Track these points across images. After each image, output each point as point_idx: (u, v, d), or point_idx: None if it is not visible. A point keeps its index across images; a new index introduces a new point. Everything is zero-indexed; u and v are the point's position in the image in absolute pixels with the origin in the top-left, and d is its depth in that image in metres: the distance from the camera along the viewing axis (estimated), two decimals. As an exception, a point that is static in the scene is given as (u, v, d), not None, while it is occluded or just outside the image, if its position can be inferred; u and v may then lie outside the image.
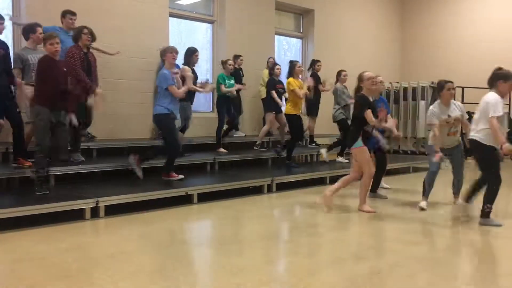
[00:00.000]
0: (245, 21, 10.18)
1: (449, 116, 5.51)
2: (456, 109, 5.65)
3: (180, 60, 7.04)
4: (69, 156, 6.22)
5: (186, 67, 7.15)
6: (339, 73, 8.86)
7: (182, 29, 9.63)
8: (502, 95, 4.94)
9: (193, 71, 7.60)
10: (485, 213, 4.87)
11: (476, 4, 13.49)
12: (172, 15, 9.19)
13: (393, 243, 4.40)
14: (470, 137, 4.95)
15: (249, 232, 4.94)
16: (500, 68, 4.99)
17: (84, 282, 3.34)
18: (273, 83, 8.57)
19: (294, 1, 11.42)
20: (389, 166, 9.24)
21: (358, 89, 5.73)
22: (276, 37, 11.18)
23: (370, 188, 5.94)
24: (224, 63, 8.56)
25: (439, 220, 5.42)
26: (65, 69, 5.48)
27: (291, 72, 7.76)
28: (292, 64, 7.83)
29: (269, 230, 4.99)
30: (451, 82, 5.71)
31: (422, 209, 5.65)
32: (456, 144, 5.72)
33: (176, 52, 6.33)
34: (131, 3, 8.35)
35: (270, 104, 8.71)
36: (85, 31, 6.22)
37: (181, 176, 6.34)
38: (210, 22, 10.02)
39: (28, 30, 6.15)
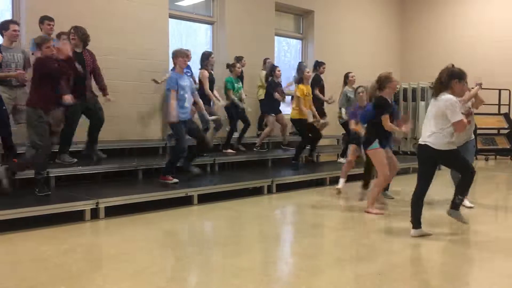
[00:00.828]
0: (245, 22, 10.19)
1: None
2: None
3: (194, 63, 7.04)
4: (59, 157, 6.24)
5: (205, 72, 7.14)
6: (346, 76, 8.87)
7: (182, 31, 9.64)
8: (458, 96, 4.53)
9: (211, 75, 7.72)
10: (456, 204, 4.62)
11: (475, 4, 13.50)
12: (172, 16, 9.20)
13: (394, 244, 4.40)
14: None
15: (250, 233, 4.94)
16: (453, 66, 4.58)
17: (85, 283, 3.34)
18: (274, 86, 8.57)
19: (294, 2, 11.43)
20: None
21: (378, 90, 5.51)
22: (276, 38, 11.19)
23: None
24: (231, 66, 8.56)
25: (439, 220, 5.42)
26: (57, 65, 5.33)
27: (301, 78, 7.79)
28: (301, 69, 7.88)
29: (269, 231, 4.99)
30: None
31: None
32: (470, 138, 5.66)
33: (188, 56, 6.39)
34: (131, 5, 8.36)
35: (269, 106, 8.71)
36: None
37: (176, 180, 6.25)
38: (210, 23, 10.03)
39: (0, 28, 5.95)
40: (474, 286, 3.48)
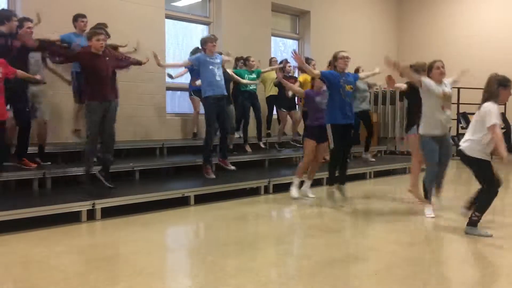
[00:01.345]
0: (242, 22, 10.19)
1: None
2: (447, 86, 5.49)
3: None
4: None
5: (226, 57, 7.37)
6: (357, 70, 8.94)
7: (179, 31, 9.63)
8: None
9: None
10: (473, 222, 4.55)
11: (472, 5, 13.55)
12: (168, 16, 9.18)
13: (390, 244, 4.40)
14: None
15: (247, 233, 4.93)
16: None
17: (81, 284, 3.32)
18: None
19: (290, 3, 11.43)
20: (387, 167, 9.32)
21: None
22: (272, 38, 11.19)
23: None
24: (246, 60, 8.68)
25: (436, 221, 5.43)
26: (107, 58, 5.63)
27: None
28: (307, 62, 8.09)
29: (266, 232, 4.98)
30: (439, 60, 5.44)
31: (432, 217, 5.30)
32: (448, 129, 5.54)
33: (216, 40, 6.76)
34: (127, 5, 8.34)
35: (282, 102, 8.91)
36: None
37: (213, 176, 6.76)
38: (207, 23, 10.02)
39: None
40: (470, 286, 3.48)
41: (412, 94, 5.70)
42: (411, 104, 6.04)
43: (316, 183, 7.71)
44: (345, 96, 5.98)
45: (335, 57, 6.21)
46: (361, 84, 8.64)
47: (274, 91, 9.24)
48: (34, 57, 6.18)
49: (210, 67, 6.54)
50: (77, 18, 6.93)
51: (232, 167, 7.22)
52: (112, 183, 5.78)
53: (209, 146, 6.73)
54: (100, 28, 5.97)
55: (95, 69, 5.48)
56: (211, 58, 6.60)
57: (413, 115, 5.75)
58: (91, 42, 5.52)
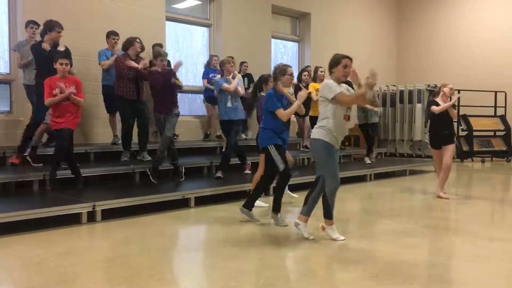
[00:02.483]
0: (242, 24, 10.21)
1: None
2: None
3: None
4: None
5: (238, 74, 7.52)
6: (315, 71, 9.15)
7: (179, 33, 9.64)
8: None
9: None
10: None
11: (471, 7, 13.57)
12: (168, 19, 9.20)
13: (390, 246, 4.40)
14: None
15: (246, 235, 4.93)
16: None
17: (80, 286, 3.33)
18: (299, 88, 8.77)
19: (290, 5, 11.45)
20: (386, 169, 9.33)
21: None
22: (273, 40, 11.21)
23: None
24: (240, 64, 9.19)
25: (434, 222, 5.43)
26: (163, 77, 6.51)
27: (314, 77, 8.83)
28: (315, 70, 8.85)
29: (266, 233, 4.98)
30: (348, 57, 4.63)
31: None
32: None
33: (234, 63, 7.19)
34: (128, 7, 8.36)
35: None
36: (138, 40, 6.98)
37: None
38: (207, 26, 10.04)
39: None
40: (471, 287, 3.48)
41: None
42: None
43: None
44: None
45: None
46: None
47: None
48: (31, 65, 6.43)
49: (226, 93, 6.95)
50: (109, 35, 7.49)
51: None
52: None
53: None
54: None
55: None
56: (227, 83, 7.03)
57: None
58: (155, 61, 6.63)
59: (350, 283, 3.42)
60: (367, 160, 9.49)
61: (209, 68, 9.05)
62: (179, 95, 9.58)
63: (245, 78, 9.26)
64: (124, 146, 7.08)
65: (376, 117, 9.58)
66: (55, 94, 5.61)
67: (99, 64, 7.40)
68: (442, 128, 6.43)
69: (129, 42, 6.89)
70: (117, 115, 7.42)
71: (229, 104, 6.89)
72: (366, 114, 9.36)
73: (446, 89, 6.67)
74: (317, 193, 4.56)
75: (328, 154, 4.41)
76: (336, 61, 4.56)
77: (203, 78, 9.11)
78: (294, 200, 6.39)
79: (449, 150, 6.45)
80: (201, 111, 9.73)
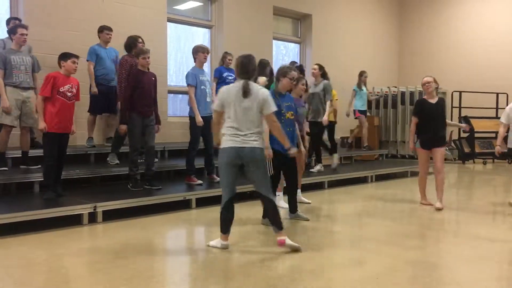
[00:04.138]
0: (243, 26, 10.21)
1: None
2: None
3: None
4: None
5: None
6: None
7: (181, 34, 9.65)
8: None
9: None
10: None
11: (474, 9, 13.55)
12: (170, 20, 9.21)
13: (391, 247, 4.39)
14: None
15: (247, 237, 4.93)
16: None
17: (82, 287, 3.33)
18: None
19: (292, 6, 11.46)
20: (387, 171, 9.32)
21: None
22: (274, 42, 11.21)
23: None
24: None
25: (435, 224, 5.42)
26: (153, 78, 6.17)
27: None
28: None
29: (267, 235, 4.97)
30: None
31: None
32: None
33: (208, 51, 6.72)
34: (129, 9, 8.37)
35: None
36: (140, 40, 6.84)
37: (200, 182, 6.63)
38: (208, 27, 10.04)
39: (9, 32, 6.27)
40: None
41: None
42: None
43: (316, 187, 7.72)
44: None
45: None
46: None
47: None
48: (26, 63, 6.06)
49: (201, 87, 6.52)
50: (103, 29, 7.23)
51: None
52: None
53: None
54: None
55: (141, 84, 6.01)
56: (202, 75, 6.60)
57: None
58: (138, 59, 6.13)
59: (351, 285, 3.41)
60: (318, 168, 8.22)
61: (222, 67, 8.30)
62: (179, 96, 9.68)
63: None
64: (114, 149, 6.84)
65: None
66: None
67: (87, 60, 7.07)
68: (440, 130, 6.28)
69: (132, 43, 6.84)
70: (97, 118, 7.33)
71: (208, 99, 6.57)
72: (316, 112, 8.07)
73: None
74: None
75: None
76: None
77: (215, 76, 8.25)
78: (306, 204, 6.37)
79: (440, 153, 6.23)
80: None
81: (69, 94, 5.38)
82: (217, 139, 4.25)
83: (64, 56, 5.45)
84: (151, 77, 6.16)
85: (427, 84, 6.16)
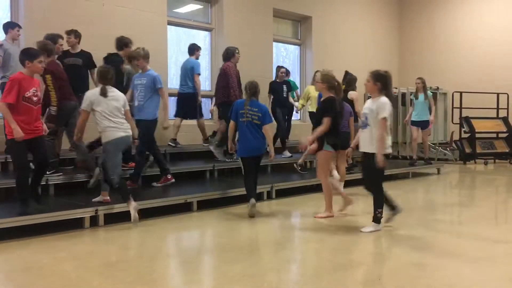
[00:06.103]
0: (243, 28, 10.22)
1: None
2: None
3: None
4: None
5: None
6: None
7: (181, 37, 9.66)
8: None
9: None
10: (377, 218, 4.93)
11: (474, 9, 13.57)
12: (170, 23, 9.23)
13: (393, 249, 4.39)
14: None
15: (250, 239, 4.93)
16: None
17: (84, 291, 3.32)
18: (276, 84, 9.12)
19: (292, 8, 11.47)
20: (388, 172, 9.29)
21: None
22: (274, 44, 11.22)
23: None
24: (277, 70, 9.18)
25: (437, 224, 5.42)
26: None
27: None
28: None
29: (270, 237, 4.97)
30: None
31: None
32: None
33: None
34: (130, 12, 8.38)
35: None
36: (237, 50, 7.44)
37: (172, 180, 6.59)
38: (209, 30, 10.06)
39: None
40: (475, 290, 3.47)
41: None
42: None
43: (319, 189, 7.71)
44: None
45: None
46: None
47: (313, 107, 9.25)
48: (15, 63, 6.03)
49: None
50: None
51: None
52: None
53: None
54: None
55: None
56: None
57: None
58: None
59: (354, 286, 3.41)
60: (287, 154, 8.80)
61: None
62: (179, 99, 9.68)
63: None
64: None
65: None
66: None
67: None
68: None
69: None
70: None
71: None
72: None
73: None
74: None
75: None
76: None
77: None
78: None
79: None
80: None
81: (35, 98, 4.73)
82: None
83: (30, 55, 4.70)
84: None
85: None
